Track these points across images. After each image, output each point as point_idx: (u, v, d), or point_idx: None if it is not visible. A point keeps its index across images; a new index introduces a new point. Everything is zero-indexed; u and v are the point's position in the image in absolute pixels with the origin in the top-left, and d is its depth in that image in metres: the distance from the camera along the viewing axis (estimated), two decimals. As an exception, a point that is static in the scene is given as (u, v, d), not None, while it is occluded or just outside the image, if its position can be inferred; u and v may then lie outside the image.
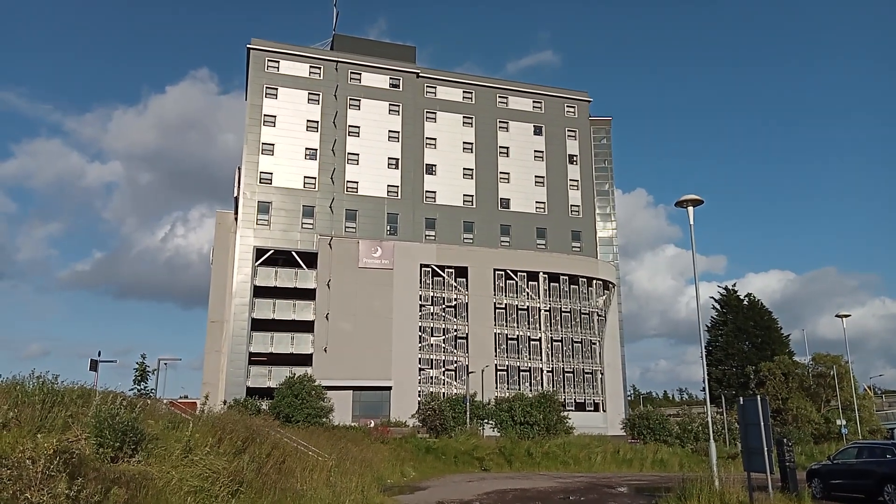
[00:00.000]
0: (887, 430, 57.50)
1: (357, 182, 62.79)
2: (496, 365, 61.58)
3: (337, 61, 64.75)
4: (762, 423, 16.43)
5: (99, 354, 27.88)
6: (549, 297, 65.54)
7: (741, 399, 18.57)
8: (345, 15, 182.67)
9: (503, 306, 63.96)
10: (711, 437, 20.19)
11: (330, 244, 59.78)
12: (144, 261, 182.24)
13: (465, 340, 62.07)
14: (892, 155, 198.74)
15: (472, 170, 67.11)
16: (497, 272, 64.30)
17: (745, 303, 74.46)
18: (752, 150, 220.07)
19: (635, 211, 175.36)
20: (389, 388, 57.66)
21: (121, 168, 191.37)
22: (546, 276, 65.57)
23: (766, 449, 16.25)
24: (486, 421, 45.74)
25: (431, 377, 60.19)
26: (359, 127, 64.01)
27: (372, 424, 45.97)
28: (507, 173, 68.19)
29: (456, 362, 61.34)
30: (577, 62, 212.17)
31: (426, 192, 65.05)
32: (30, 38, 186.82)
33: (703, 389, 23.47)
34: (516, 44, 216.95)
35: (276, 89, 62.45)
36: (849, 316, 45.08)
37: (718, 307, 75.60)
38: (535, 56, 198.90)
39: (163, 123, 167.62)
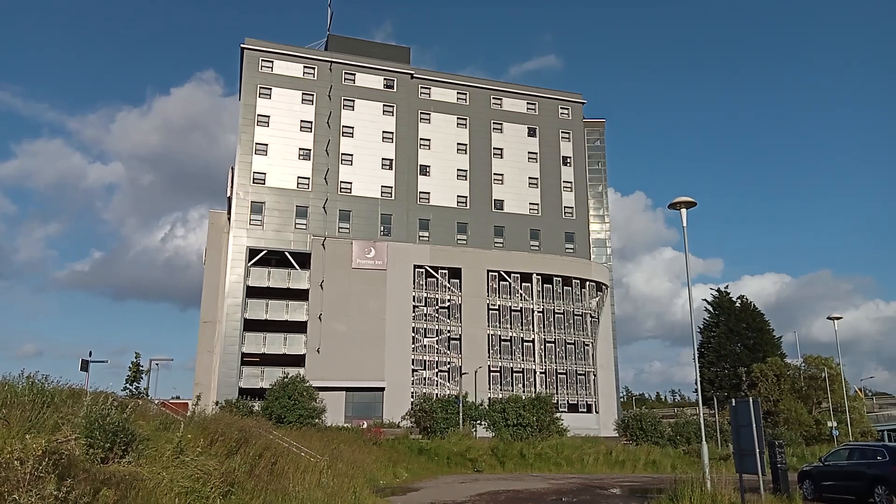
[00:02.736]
0: (878, 432, 57.82)
1: (351, 183, 62.71)
2: (489, 366, 61.56)
3: (331, 62, 64.65)
4: (754, 425, 16.50)
5: (90, 354, 27.65)
6: (543, 298, 65.57)
7: (733, 401, 18.63)
8: (350, 17, 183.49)
9: (496, 307, 63.95)
10: (703, 439, 20.25)
11: (323, 245, 59.66)
12: (143, 262, 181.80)
13: (458, 341, 62.01)
14: (889, 158, 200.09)
15: (465, 171, 67.11)
16: (490, 273, 64.29)
17: (737, 305, 74.65)
18: (750, 154, 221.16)
19: (634, 214, 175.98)
20: (382, 389, 57.56)
21: (122, 169, 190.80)
22: (539, 277, 65.60)
23: (757, 450, 16.31)
24: (479, 422, 45.81)
25: (424, 378, 60.11)
26: (353, 127, 63.93)
27: (364, 425, 45.93)
28: (501, 174, 68.23)
29: (449, 363, 61.29)
30: (579, 66, 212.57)
31: (420, 192, 64.99)
32: (34, 38, 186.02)
33: (696, 391, 23.54)
34: (520, 47, 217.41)
35: (270, 89, 62.32)
36: (840, 318, 45.30)
37: (711, 309, 75.80)
38: (537, 60, 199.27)
39: (166, 125, 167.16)
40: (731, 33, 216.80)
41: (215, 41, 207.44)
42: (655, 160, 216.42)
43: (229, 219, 61.24)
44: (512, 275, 64.89)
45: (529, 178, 69.18)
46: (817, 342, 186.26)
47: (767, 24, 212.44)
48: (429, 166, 65.95)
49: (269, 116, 61.57)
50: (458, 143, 67.64)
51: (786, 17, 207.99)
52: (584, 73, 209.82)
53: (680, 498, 17.49)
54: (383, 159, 64.18)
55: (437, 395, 55.47)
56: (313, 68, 64.18)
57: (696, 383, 22.07)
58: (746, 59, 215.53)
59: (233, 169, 61.62)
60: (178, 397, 59.07)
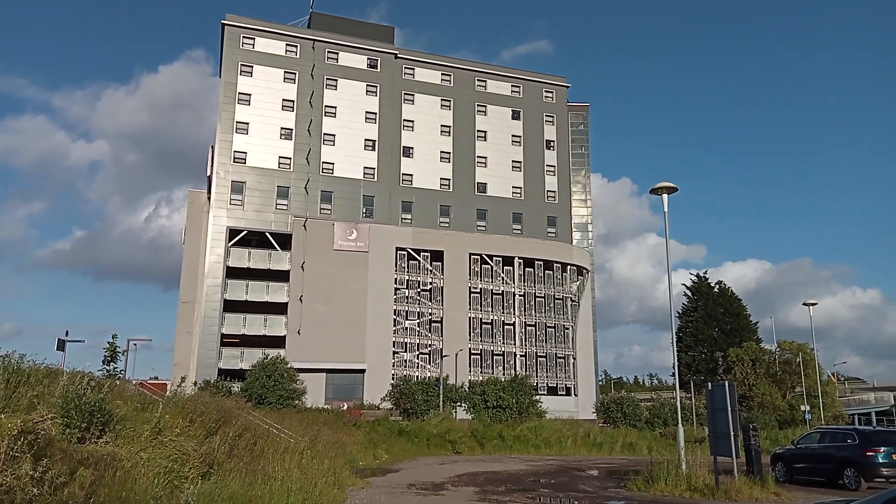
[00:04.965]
0: (849, 416, 59.02)
1: (333, 163, 62.21)
2: (470, 349, 61.85)
3: (314, 40, 63.79)
4: (729, 409, 16.74)
5: (66, 334, 27.37)
6: (524, 281, 65.85)
7: (709, 384, 18.89)
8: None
9: (478, 290, 64.13)
10: (680, 422, 20.55)
11: (304, 225, 59.27)
12: (126, 242, 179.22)
13: (439, 324, 62.18)
14: (871, 148, 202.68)
15: (449, 153, 66.85)
16: (473, 256, 64.38)
17: (715, 290, 75.56)
18: (736, 142, 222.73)
19: (620, 200, 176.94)
20: (363, 371, 57.64)
21: (107, 147, 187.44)
22: (521, 260, 65.82)
23: (732, 433, 16.56)
24: (459, 404, 46.08)
25: (405, 360, 60.26)
26: (335, 107, 63.28)
27: (345, 407, 46.00)
28: (485, 157, 68.05)
29: (430, 346, 61.48)
30: (572, 51, 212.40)
31: (403, 174, 64.68)
32: (22, 14, 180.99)
33: (674, 375, 23.82)
34: (512, 32, 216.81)
35: (252, 67, 61.40)
36: (815, 304, 46.10)
37: (690, 294, 76.65)
38: (529, 44, 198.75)
39: (153, 103, 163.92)
40: (719, 23, 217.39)
41: (205, 19, 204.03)
42: (643, 147, 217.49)
43: (209, 198, 60.55)
44: (494, 258, 65.04)
45: (513, 161, 69.10)
46: (794, 328, 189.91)
47: (753, 14, 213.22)
48: (412, 148, 65.58)
49: (250, 95, 60.72)
50: (442, 125, 67.29)
51: (771, 6, 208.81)
52: (577, 59, 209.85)
53: (656, 479, 17.78)
54: (366, 140, 63.69)
55: (417, 377, 55.61)
56: (296, 46, 63.30)
57: (673, 367, 22.34)
58: (734, 49, 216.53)
59: (213, 147, 60.81)
60: (156, 378, 58.69)
